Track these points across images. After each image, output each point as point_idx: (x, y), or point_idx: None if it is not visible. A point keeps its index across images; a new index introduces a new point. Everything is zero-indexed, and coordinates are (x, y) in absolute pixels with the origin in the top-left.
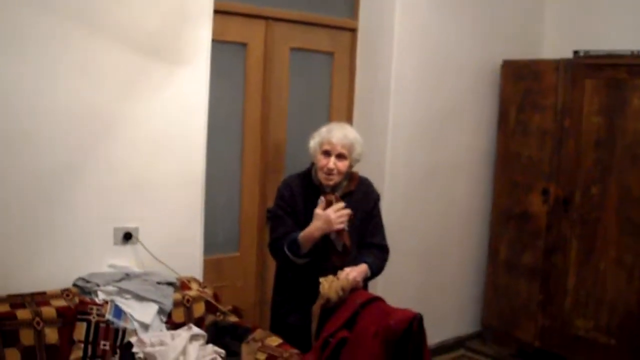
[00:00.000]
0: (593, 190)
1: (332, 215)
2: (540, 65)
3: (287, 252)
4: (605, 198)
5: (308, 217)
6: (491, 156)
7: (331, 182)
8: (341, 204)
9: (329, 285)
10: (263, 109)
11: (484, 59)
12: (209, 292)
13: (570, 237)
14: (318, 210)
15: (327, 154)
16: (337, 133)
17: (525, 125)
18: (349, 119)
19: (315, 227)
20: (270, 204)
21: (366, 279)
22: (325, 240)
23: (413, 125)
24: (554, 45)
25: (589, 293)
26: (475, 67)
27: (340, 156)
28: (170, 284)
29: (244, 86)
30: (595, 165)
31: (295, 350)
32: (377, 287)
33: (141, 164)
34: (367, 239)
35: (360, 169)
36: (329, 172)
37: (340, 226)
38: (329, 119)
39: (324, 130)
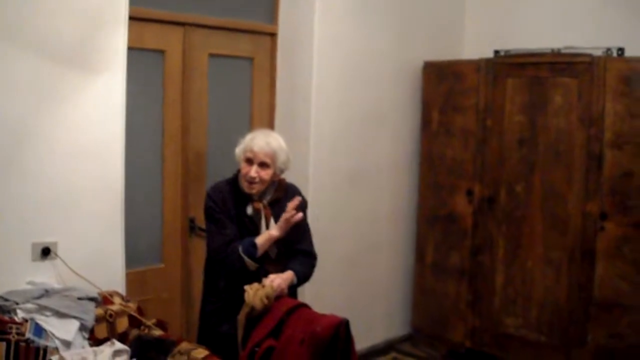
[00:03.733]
0: (517, 188)
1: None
2: (461, 65)
3: (242, 254)
4: (529, 196)
5: (237, 224)
6: (415, 158)
7: (253, 191)
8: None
9: (254, 294)
10: (183, 116)
11: (405, 61)
12: (132, 305)
13: (496, 236)
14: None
15: (249, 162)
16: (260, 141)
17: (448, 126)
18: (270, 125)
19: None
20: (193, 213)
21: (293, 286)
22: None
23: (336, 130)
24: (475, 45)
25: (518, 291)
26: (396, 69)
27: (262, 164)
28: (91, 299)
29: (163, 94)
30: (519, 163)
31: None
32: (305, 293)
33: (58, 176)
34: (294, 245)
35: (285, 175)
36: (251, 181)
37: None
38: (250, 125)
39: (248, 138)
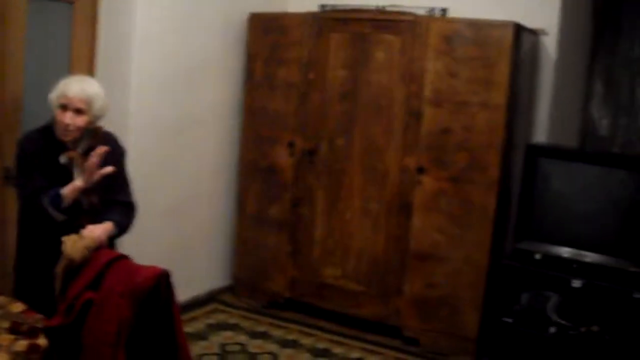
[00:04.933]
0: (338, 142)
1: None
2: (287, 18)
3: (47, 206)
4: (350, 149)
5: (51, 173)
6: (238, 110)
7: (69, 138)
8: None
9: (73, 245)
10: None
11: (231, 12)
12: None
13: (316, 188)
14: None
15: (64, 108)
16: (75, 87)
17: (272, 79)
18: (90, 72)
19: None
20: (9, 162)
21: (112, 238)
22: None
23: (159, 79)
24: None
25: (337, 242)
26: (222, 20)
27: (78, 111)
28: None
29: None
30: (341, 117)
31: (40, 316)
32: (125, 245)
33: None
34: (112, 196)
35: (105, 123)
36: (66, 128)
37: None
38: (69, 72)
39: (62, 83)
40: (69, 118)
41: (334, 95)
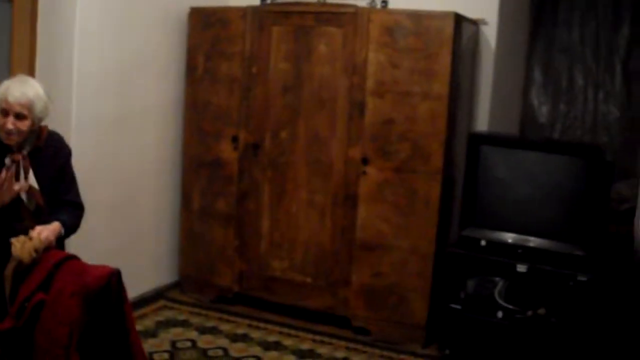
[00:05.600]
0: (282, 134)
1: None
2: (227, 12)
3: None
4: (294, 142)
5: None
6: (181, 105)
7: (12, 142)
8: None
9: (21, 246)
10: None
11: (171, 6)
12: None
13: (262, 181)
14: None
15: (5, 113)
16: (15, 92)
17: (214, 73)
18: (31, 70)
19: None
20: None
21: (61, 238)
22: (17, 201)
23: (100, 75)
24: None
25: (284, 235)
26: (162, 14)
27: (19, 116)
28: None
29: None
30: (284, 110)
31: None
32: (70, 244)
33: None
34: (60, 196)
35: (47, 121)
36: (8, 133)
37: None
38: (10, 71)
39: (2, 88)
40: (10, 123)
41: (277, 89)
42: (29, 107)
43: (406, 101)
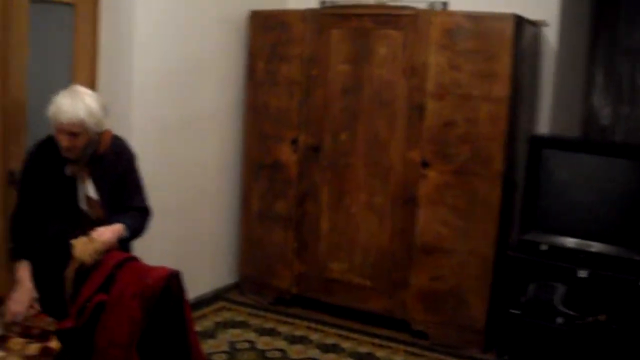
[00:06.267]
0: (342, 137)
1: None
2: (287, 15)
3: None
4: (353, 144)
5: (58, 183)
6: (241, 108)
7: (71, 156)
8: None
9: (82, 248)
10: (2, 65)
11: (231, 9)
12: None
13: (321, 184)
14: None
15: (60, 130)
16: (66, 113)
17: (274, 76)
18: (92, 73)
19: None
20: (13, 165)
21: (124, 241)
22: (78, 212)
23: (161, 79)
24: None
25: (342, 237)
26: (223, 17)
27: (73, 134)
28: None
29: None
30: (343, 112)
31: (52, 319)
32: (132, 245)
33: None
34: (124, 203)
35: (109, 123)
36: (65, 150)
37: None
38: (72, 74)
39: (54, 106)
40: (65, 141)
41: (337, 91)
42: (81, 125)
43: (466, 103)
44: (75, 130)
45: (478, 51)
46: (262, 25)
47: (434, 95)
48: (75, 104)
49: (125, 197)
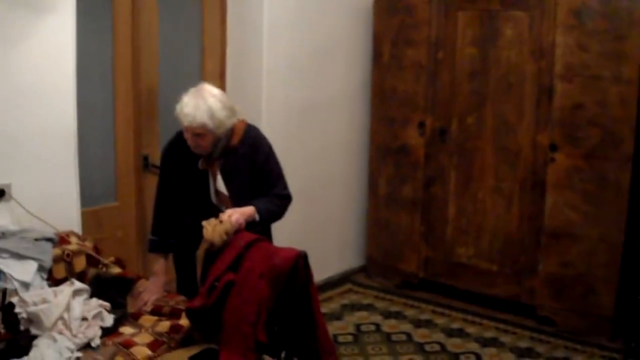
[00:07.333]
0: (469, 120)
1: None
2: None
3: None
4: (481, 127)
5: (193, 174)
6: (367, 92)
7: (201, 153)
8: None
9: (213, 229)
10: (133, 53)
11: None
12: (88, 244)
13: (448, 167)
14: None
15: (186, 130)
16: (187, 116)
17: (400, 60)
18: (221, 60)
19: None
20: (147, 150)
21: (257, 223)
22: (211, 205)
23: (288, 64)
24: None
25: (469, 221)
26: (348, 2)
27: (197, 134)
28: (48, 239)
29: (113, 31)
30: (470, 95)
31: (182, 297)
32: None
33: (9, 118)
34: (267, 192)
35: (240, 107)
36: (193, 148)
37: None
38: (201, 61)
39: (179, 106)
40: (191, 140)
41: (463, 74)
42: (204, 127)
43: (595, 85)
44: (198, 132)
45: (607, 31)
46: (388, 9)
47: (563, 77)
48: (197, 106)
49: (266, 188)
